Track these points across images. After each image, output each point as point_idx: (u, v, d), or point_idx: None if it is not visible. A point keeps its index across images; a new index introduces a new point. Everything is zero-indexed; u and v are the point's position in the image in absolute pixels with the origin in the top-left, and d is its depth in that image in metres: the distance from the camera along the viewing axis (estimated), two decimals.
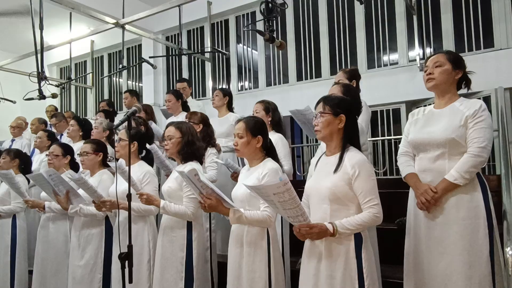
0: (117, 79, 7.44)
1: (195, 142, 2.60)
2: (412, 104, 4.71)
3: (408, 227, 2.19)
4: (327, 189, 1.79)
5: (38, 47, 2.73)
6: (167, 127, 2.66)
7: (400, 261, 3.05)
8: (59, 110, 6.53)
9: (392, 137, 4.70)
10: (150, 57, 4.46)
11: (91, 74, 7.33)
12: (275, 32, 2.06)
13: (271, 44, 5.31)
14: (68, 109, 7.78)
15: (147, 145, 2.98)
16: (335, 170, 1.80)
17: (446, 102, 2.10)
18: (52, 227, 3.21)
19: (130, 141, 2.19)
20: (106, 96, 7.46)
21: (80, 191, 2.84)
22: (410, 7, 4.33)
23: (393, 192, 3.25)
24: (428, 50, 4.63)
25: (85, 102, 7.76)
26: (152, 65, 4.17)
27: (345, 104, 1.92)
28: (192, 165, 2.51)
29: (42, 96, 3.09)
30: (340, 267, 1.76)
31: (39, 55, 2.72)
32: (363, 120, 2.83)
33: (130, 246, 2.00)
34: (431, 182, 2.02)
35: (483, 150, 1.92)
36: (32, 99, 3.62)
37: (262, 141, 2.21)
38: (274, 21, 2.43)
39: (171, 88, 6.48)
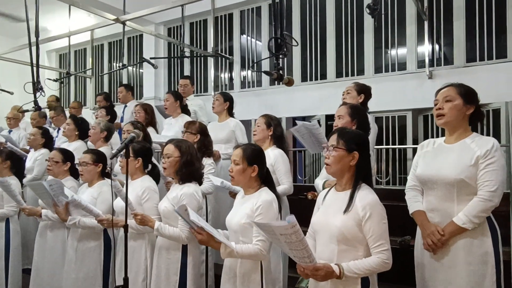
0: (117, 64, 7.26)
1: (194, 163, 2.52)
2: (419, 112, 4.59)
3: (416, 263, 2.13)
4: (336, 229, 1.73)
5: (34, 58, 2.59)
6: (166, 144, 2.58)
7: (401, 281, 3.01)
8: (59, 101, 6.39)
9: (397, 146, 4.60)
10: (151, 58, 4.32)
11: (90, 62, 7.18)
12: (283, 60, 1.94)
13: None
14: (67, 99, 7.66)
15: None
16: (345, 210, 1.74)
17: (456, 138, 2.00)
18: (50, 235, 3.18)
19: (127, 166, 2.11)
20: (106, 85, 7.33)
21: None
22: (421, 12, 4.16)
23: (396, 206, 3.18)
24: (438, 57, 4.48)
25: (84, 91, 7.63)
26: (153, 65, 4.05)
27: (360, 140, 1.85)
28: (190, 186, 2.46)
29: (37, 108, 2.99)
30: None
31: (34, 67, 2.59)
32: (370, 138, 2.74)
33: (126, 279, 1.95)
34: (439, 223, 1.95)
35: (494, 194, 1.83)
36: (27, 111, 3.51)
37: (257, 170, 2.14)
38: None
39: (174, 79, 6.36)
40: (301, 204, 3.27)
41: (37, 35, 2.60)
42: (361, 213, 1.71)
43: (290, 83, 2.01)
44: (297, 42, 1.99)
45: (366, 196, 1.75)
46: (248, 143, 2.39)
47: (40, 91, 2.74)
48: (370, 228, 1.70)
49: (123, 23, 4.12)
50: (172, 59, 6.41)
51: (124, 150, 2.16)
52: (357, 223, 1.71)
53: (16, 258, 3.54)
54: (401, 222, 2.75)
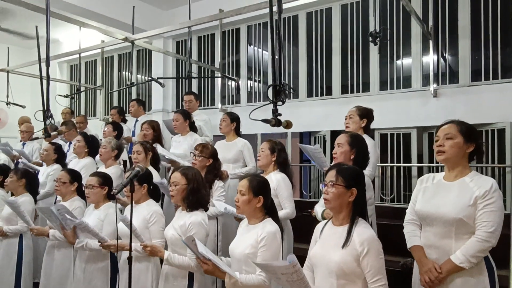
0: (127, 73, 7.40)
1: (200, 190, 2.57)
2: (424, 129, 4.61)
3: None
4: (335, 264, 1.79)
5: (44, 87, 2.70)
6: (173, 171, 2.66)
7: None
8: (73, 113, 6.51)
9: (402, 164, 4.62)
10: (159, 78, 4.41)
11: (100, 73, 7.32)
12: (285, 98, 2.00)
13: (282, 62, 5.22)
14: (78, 109, 7.78)
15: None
16: (344, 245, 1.80)
17: (456, 175, 2.04)
18: (57, 254, 3.25)
19: (132, 199, 2.19)
20: (115, 96, 7.45)
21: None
22: (426, 33, 4.18)
23: (399, 225, 3.21)
24: (443, 74, 4.49)
25: (94, 103, 7.76)
26: (160, 83, 4.14)
27: (357, 177, 1.92)
28: (198, 215, 2.50)
29: (47, 135, 3.11)
30: None
31: (45, 94, 2.70)
32: (370, 165, 2.78)
33: None
34: (436, 259, 1.99)
35: (492, 235, 1.87)
36: (37, 138, 3.64)
37: (263, 201, 2.21)
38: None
39: (182, 92, 6.43)
40: (304, 221, 3.32)
41: (47, 65, 2.69)
42: (359, 249, 1.77)
43: (288, 126, 2.07)
44: (293, 90, 2.06)
45: (363, 231, 1.81)
46: (254, 174, 2.46)
47: (50, 118, 2.85)
48: (368, 263, 1.76)
49: (132, 42, 4.21)
50: (181, 67, 6.50)
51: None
52: (355, 258, 1.77)
53: (27, 273, 3.63)
54: (403, 242, 2.78)
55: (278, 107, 2.18)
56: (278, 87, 1.90)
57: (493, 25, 4.17)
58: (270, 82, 5.58)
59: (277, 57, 2.03)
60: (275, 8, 2.23)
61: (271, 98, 1.97)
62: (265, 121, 1.96)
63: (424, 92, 4.45)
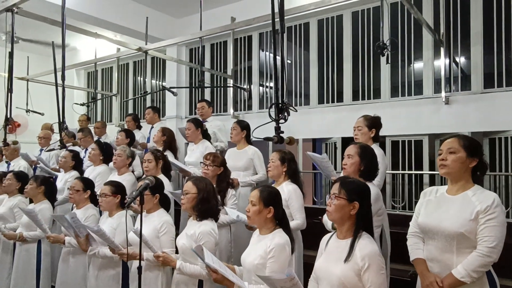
0: (142, 79, 7.54)
1: (209, 200, 2.62)
2: (436, 136, 4.58)
3: None
4: (337, 278, 1.82)
5: (60, 99, 2.82)
6: (187, 181, 2.73)
7: None
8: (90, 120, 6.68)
9: (413, 171, 4.60)
10: (171, 87, 4.51)
11: (116, 80, 7.49)
12: (289, 105, 2.04)
13: (293, 69, 5.23)
14: (94, 115, 7.97)
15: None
16: (346, 259, 1.82)
17: (458, 189, 2.05)
18: (72, 261, 3.33)
19: (141, 211, 2.26)
20: (130, 102, 7.61)
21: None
22: (438, 41, 4.16)
23: None
24: (455, 82, 4.46)
25: (110, 109, 7.94)
26: (173, 93, 4.24)
27: (361, 190, 1.93)
28: (207, 224, 2.55)
29: (63, 146, 3.24)
30: None
31: (61, 107, 2.82)
32: (379, 175, 2.79)
33: None
34: (438, 273, 1.99)
35: (493, 250, 1.87)
36: (53, 149, 3.78)
37: (273, 212, 2.24)
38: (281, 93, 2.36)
39: (195, 98, 6.54)
40: (315, 228, 3.35)
41: (63, 78, 2.81)
42: (360, 263, 1.78)
43: (291, 142, 2.11)
44: (295, 110, 2.09)
45: (365, 246, 1.82)
46: (265, 185, 2.50)
47: (65, 130, 2.98)
48: (369, 278, 1.77)
49: (146, 52, 4.31)
50: (193, 78, 6.60)
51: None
52: (356, 273, 1.79)
53: (46, 277, 3.73)
54: None
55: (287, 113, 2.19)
56: (280, 106, 1.94)
57: (506, 31, 4.13)
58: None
59: (280, 75, 2.07)
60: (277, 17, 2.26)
61: (273, 117, 2.01)
62: (267, 139, 2.01)
63: (436, 99, 4.42)
